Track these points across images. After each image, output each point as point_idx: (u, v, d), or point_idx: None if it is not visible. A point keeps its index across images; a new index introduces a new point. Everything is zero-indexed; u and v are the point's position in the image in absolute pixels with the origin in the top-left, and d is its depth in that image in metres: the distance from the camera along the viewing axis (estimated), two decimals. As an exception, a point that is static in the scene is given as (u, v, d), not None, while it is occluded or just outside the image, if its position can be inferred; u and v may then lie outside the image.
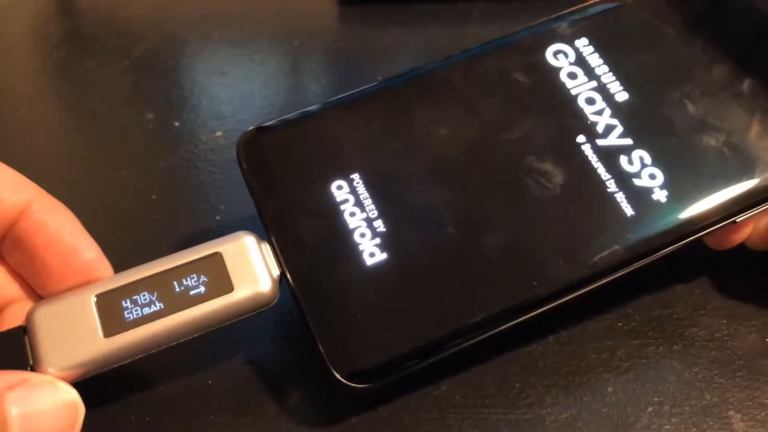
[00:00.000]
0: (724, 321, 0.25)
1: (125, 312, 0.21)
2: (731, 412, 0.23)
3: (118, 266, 0.22)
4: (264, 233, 0.23)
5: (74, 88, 0.34)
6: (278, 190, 0.23)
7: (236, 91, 0.33)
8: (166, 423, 0.23)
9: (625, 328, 0.25)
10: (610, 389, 0.23)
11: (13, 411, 0.18)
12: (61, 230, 0.21)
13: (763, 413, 0.23)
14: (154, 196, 0.29)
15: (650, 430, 0.23)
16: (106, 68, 0.34)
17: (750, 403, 0.23)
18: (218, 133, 0.31)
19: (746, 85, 0.24)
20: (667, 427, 0.23)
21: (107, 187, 0.29)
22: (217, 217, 0.28)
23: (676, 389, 0.23)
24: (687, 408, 0.23)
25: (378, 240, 0.22)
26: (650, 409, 0.23)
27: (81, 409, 0.20)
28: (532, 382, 0.24)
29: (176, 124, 0.32)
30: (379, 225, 0.23)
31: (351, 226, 0.23)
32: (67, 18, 0.38)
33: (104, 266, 0.22)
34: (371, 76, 0.33)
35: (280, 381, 0.24)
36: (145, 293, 0.21)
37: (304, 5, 0.38)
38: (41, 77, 0.34)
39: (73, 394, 0.20)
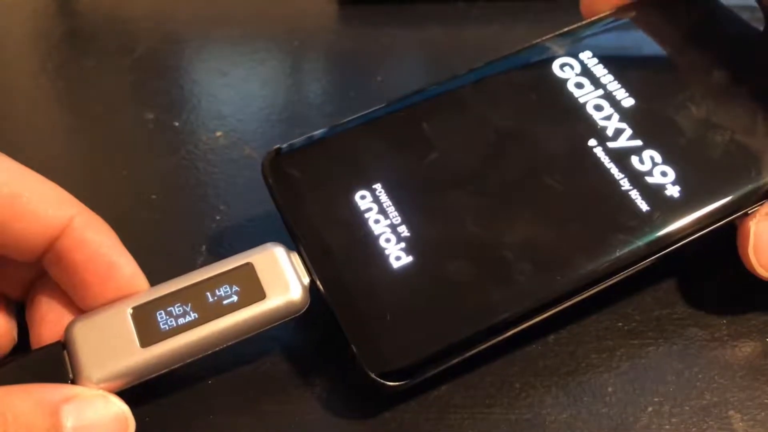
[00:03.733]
0: (724, 321, 0.25)
1: (161, 323, 0.21)
2: (731, 412, 0.23)
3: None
4: (290, 243, 0.23)
5: (74, 88, 0.34)
6: (304, 203, 0.24)
7: (236, 91, 0.33)
8: (166, 423, 0.23)
9: (625, 328, 0.25)
10: (610, 389, 0.23)
11: (68, 423, 0.19)
12: (99, 248, 0.22)
13: (763, 413, 0.23)
14: (154, 196, 0.29)
15: (650, 430, 0.23)
16: (106, 68, 0.34)
17: (750, 403, 0.23)
18: (218, 133, 0.31)
19: (741, 85, 0.25)
20: (667, 427, 0.23)
21: (107, 187, 0.30)
22: (217, 217, 0.28)
23: (676, 389, 0.23)
24: (687, 408, 0.23)
25: (403, 244, 0.23)
26: (650, 409, 0.23)
27: (132, 424, 0.20)
28: (532, 382, 0.24)
29: (176, 124, 0.32)
30: (403, 230, 0.23)
31: (376, 233, 0.23)
32: (67, 18, 0.38)
33: (140, 281, 0.22)
34: (371, 76, 0.34)
35: (280, 381, 0.24)
36: (179, 304, 0.22)
37: (304, 5, 0.38)
38: (41, 77, 0.34)
39: (124, 408, 0.20)
